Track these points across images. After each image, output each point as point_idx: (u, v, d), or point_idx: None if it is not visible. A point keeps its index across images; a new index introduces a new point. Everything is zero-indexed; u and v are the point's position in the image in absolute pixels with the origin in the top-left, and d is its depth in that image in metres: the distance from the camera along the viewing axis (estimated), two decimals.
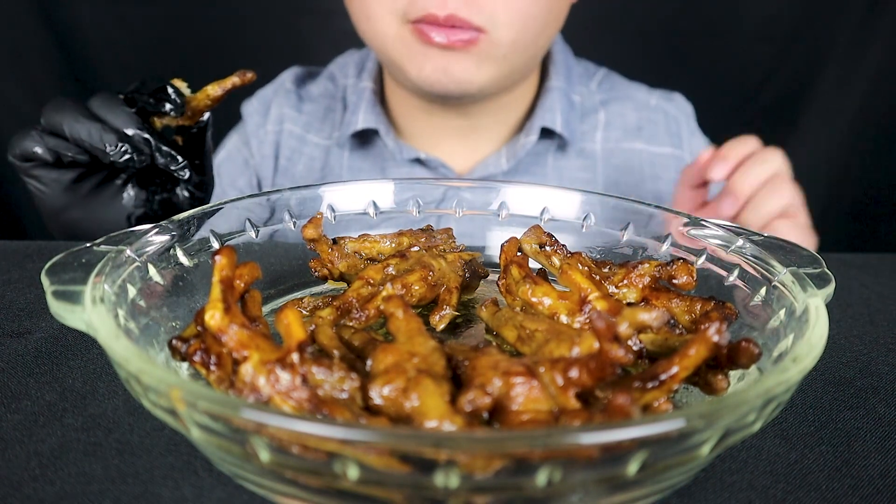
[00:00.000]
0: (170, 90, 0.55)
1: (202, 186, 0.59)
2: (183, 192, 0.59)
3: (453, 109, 0.81)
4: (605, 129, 0.87)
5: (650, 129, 0.88)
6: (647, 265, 0.42)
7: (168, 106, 0.55)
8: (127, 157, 0.53)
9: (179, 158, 0.55)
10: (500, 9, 0.69)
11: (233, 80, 0.57)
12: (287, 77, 0.93)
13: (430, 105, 0.81)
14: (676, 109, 0.91)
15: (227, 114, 0.83)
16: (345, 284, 0.48)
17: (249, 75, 0.57)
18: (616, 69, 0.94)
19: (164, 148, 0.54)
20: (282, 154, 0.89)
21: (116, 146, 0.53)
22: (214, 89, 0.57)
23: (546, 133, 0.84)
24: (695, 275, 0.41)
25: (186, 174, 0.55)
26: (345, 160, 0.86)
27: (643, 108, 0.89)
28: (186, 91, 0.57)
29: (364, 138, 0.86)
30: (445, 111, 0.81)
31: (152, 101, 0.55)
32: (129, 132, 0.53)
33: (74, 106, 0.54)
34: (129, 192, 0.59)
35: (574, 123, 0.85)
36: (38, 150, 0.55)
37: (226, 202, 0.47)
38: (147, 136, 0.54)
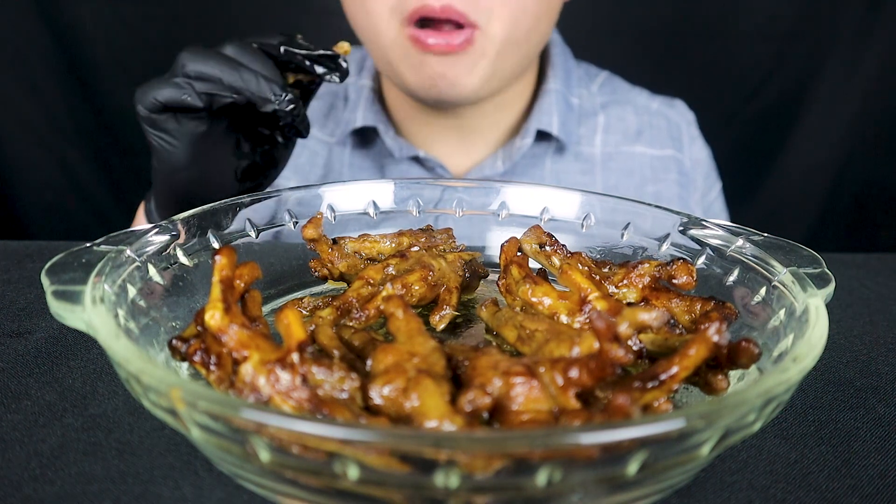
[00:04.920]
0: (343, 62, 0.56)
1: (299, 134, 0.60)
2: (280, 141, 0.60)
3: (450, 111, 0.81)
4: (604, 132, 0.87)
5: (651, 132, 0.88)
6: (647, 265, 0.42)
7: (335, 77, 0.55)
8: (292, 106, 0.53)
9: (307, 119, 0.55)
10: (496, 1, 0.69)
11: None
12: None
13: (425, 105, 0.81)
14: (678, 116, 0.90)
15: None
16: (345, 284, 0.48)
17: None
18: (615, 70, 0.94)
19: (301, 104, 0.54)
20: None
21: (282, 95, 0.52)
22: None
23: (543, 136, 0.83)
24: (695, 275, 0.41)
25: (306, 132, 0.55)
26: (346, 157, 0.86)
27: (644, 113, 0.89)
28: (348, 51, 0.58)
29: (364, 136, 0.86)
30: (442, 112, 0.81)
31: (309, 65, 0.55)
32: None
33: (220, 54, 0.53)
34: (241, 145, 0.58)
35: (571, 126, 0.85)
36: (188, 97, 0.53)
37: (227, 201, 0.47)
38: (290, 92, 0.53)
